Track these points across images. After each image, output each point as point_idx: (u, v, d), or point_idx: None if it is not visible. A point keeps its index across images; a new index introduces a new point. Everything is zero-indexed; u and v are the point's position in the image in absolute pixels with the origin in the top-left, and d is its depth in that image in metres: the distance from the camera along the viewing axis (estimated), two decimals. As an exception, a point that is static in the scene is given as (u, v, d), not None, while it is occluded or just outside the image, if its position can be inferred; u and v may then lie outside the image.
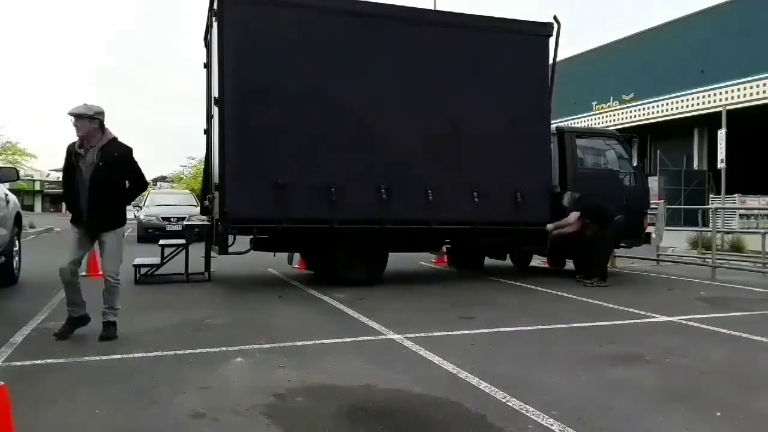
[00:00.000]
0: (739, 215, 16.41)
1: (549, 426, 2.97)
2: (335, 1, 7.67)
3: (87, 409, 3.18)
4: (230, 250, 7.39)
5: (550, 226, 8.33)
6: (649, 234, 9.76)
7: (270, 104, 7.22)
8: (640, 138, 10.34)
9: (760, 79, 17.18)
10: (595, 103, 23.44)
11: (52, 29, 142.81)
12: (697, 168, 21.20)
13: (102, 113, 4.69)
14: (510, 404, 3.27)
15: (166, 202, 17.70)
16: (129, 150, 4.89)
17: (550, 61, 8.64)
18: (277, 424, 2.99)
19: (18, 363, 4.02)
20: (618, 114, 22.22)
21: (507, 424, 2.99)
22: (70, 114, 4.63)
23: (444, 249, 10.29)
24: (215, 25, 7.27)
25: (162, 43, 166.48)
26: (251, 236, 7.50)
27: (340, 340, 4.78)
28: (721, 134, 14.45)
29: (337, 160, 7.42)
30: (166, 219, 16.01)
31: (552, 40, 8.57)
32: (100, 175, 4.69)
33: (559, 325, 5.49)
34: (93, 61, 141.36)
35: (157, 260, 8.20)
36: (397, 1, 8.03)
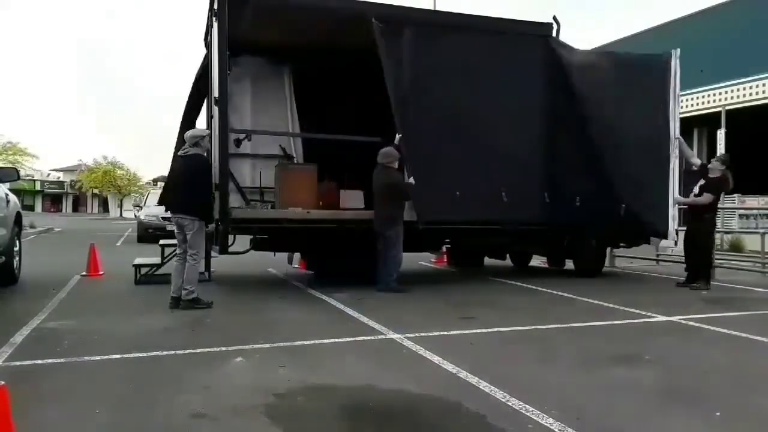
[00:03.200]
0: (739, 215, 16.40)
1: (548, 425, 2.97)
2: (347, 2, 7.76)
3: (87, 409, 3.18)
4: (230, 250, 7.40)
5: (679, 198, 8.23)
6: (648, 234, 9.75)
7: None
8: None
9: (760, 79, 17.16)
10: (595, 103, 23.40)
11: (54, 29, 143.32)
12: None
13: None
14: (510, 404, 3.27)
15: None
16: None
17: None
18: (277, 424, 2.99)
19: (18, 363, 4.02)
20: (618, 114, 22.17)
21: (507, 424, 2.99)
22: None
23: (444, 249, 10.29)
24: (215, 25, 7.27)
25: (158, 42, 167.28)
26: (251, 236, 7.51)
27: (340, 340, 4.78)
28: (720, 134, 14.46)
29: None
30: (166, 219, 16.01)
31: (552, 41, 8.57)
32: None
33: (559, 325, 5.49)
34: (91, 61, 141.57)
35: (157, 260, 8.20)
36: (397, 1, 8.03)
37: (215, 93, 7.38)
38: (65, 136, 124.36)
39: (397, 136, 7.50)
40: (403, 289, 7.32)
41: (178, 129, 8.74)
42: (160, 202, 7.86)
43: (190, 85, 8.78)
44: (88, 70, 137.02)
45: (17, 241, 7.86)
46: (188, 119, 8.66)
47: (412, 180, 7.42)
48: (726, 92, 18.07)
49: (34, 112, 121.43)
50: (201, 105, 8.69)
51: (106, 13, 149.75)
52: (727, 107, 15.98)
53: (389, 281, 7.32)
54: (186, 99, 8.73)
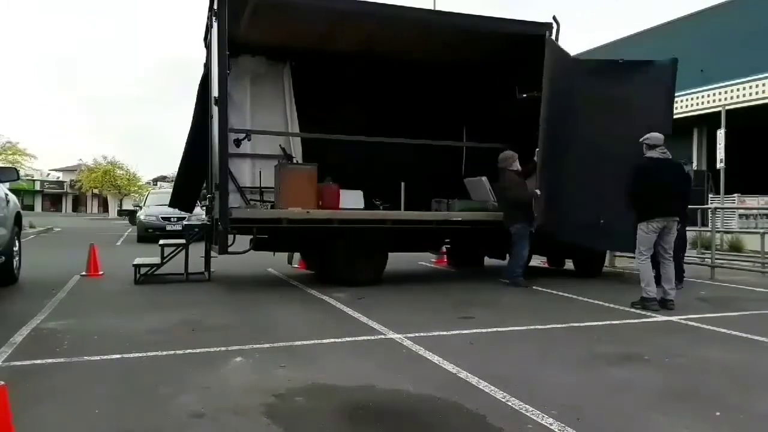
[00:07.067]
0: (739, 215, 16.40)
1: (548, 425, 2.97)
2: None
3: (87, 408, 3.18)
4: (230, 250, 7.40)
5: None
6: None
7: None
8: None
9: (760, 79, 17.15)
10: (595, 103, 23.38)
11: (53, 28, 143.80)
12: (696, 168, 21.17)
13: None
14: (509, 404, 3.27)
15: (166, 202, 17.70)
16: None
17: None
18: (277, 424, 2.99)
19: (18, 363, 4.02)
20: (618, 114, 22.17)
21: (506, 424, 2.99)
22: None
23: (444, 249, 10.29)
24: (215, 25, 7.27)
25: (155, 41, 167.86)
26: (251, 236, 7.51)
27: (340, 340, 4.78)
28: (720, 134, 14.45)
29: None
30: (166, 219, 16.01)
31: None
32: None
33: (559, 325, 5.49)
34: (90, 60, 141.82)
35: (157, 260, 8.20)
36: (398, 1, 8.02)
37: (215, 93, 7.39)
38: (64, 136, 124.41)
39: (537, 150, 7.76)
40: (528, 284, 7.73)
41: (188, 131, 8.76)
42: None
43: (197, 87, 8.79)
44: (87, 70, 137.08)
45: (17, 241, 7.86)
46: (200, 120, 8.64)
47: (538, 191, 7.67)
48: (726, 92, 18.07)
49: (34, 112, 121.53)
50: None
51: (104, 12, 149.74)
52: (727, 107, 15.98)
53: (514, 275, 7.78)
54: (194, 101, 8.74)
